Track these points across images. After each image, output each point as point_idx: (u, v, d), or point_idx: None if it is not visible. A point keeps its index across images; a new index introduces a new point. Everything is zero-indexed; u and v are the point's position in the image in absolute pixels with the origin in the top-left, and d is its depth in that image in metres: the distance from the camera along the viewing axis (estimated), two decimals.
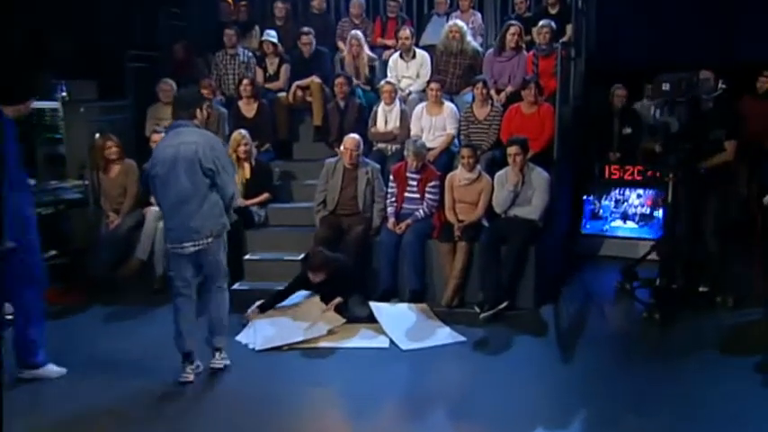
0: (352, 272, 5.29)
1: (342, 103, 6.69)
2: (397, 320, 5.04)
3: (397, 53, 7.14)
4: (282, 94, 7.15)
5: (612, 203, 7.11)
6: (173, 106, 4.26)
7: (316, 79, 6.95)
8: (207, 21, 7.83)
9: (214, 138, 4.22)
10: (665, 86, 5.32)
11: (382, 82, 6.61)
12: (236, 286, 5.68)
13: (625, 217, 7.04)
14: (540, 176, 5.63)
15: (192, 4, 7.49)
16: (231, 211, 4.39)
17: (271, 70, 7.34)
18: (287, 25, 7.77)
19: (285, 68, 7.29)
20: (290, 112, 7.11)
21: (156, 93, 6.80)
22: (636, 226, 7.02)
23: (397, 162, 6.08)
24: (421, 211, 5.77)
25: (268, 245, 5.98)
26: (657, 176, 6.06)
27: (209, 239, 4.10)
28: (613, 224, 7.08)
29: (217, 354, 4.37)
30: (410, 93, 7.02)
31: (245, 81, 6.65)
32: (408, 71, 7.06)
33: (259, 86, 7.10)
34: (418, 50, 7.12)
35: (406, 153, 5.83)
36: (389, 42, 7.56)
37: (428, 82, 6.52)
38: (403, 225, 5.70)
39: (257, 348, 4.82)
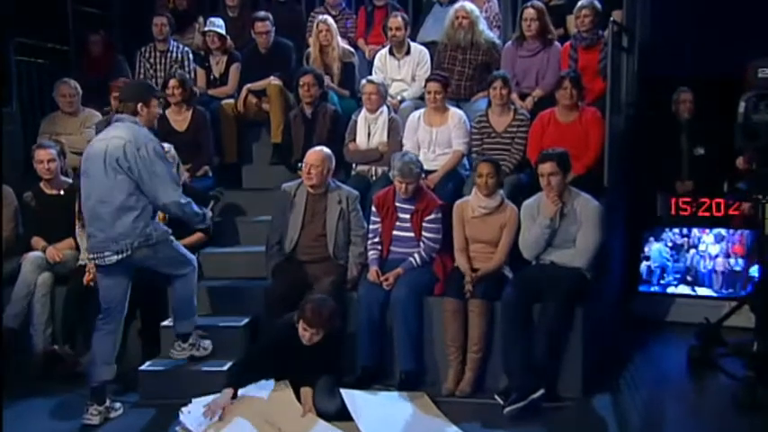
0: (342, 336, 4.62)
1: (308, 111, 5.80)
2: (382, 417, 4.22)
3: (386, 49, 6.32)
4: (229, 102, 6.27)
5: (668, 251, 6.05)
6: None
7: (274, 80, 6.10)
8: (136, 9, 7.07)
9: (148, 137, 4.24)
10: (764, 73, 4.38)
11: (363, 81, 5.70)
12: (146, 366, 4.70)
13: (694, 278, 5.96)
14: (587, 206, 4.71)
15: None
16: (196, 218, 4.49)
17: (216, 71, 6.56)
18: (242, 17, 6.92)
19: (235, 69, 6.51)
20: (241, 126, 6.31)
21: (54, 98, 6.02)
22: (713, 293, 5.92)
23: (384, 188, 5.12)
24: (416, 255, 4.87)
25: (198, 306, 4.88)
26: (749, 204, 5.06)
27: (135, 248, 4.19)
28: (672, 289, 6.03)
29: (180, 343, 4.56)
30: (402, 100, 6.10)
31: (173, 82, 5.76)
32: (401, 72, 6.27)
33: (198, 93, 6.26)
34: (414, 44, 6.34)
35: (391, 173, 4.79)
36: (373, 46, 6.71)
37: (426, 81, 5.54)
38: (391, 276, 4.81)
39: None
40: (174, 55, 6.54)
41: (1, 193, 5.14)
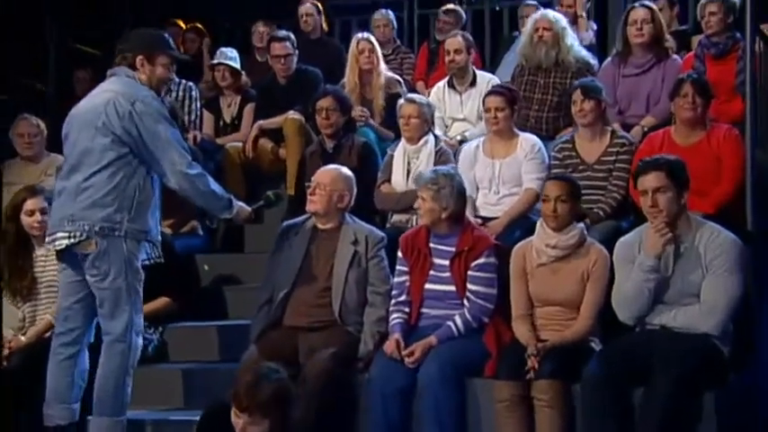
0: None
1: (329, 144, 5.25)
2: None
3: (445, 80, 5.83)
4: (236, 145, 5.91)
5: None
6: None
7: (293, 115, 5.65)
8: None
9: (147, 92, 3.90)
10: None
11: (401, 100, 5.15)
12: None
13: None
14: (718, 240, 3.78)
15: (117, 20, 6.40)
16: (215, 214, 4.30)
17: (227, 115, 6.24)
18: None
19: (250, 110, 6.14)
20: (249, 175, 5.84)
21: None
22: None
23: None
24: (458, 319, 4.08)
25: (155, 396, 4.40)
26: None
27: (90, 235, 3.77)
28: None
29: None
30: (463, 140, 5.50)
31: None
32: (463, 109, 5.71)
33: (198, 137, 5.98)
34: (481, 73, 5.84)
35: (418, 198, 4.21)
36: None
37: (485, 97, 4.98)
38: (418, 348, 3.98)
39: None
40: (175, 93, 6.23)
41: None
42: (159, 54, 3.94)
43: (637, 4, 5.36)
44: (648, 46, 5.23)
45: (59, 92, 6.39)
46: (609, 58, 5.47)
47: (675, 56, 5.33)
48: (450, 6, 6.92)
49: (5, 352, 4.26)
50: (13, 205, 4.47)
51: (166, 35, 4.22)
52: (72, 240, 3.75)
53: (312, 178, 4.35)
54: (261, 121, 5.80)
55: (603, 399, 3.58)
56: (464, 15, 6.98)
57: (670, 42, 5.37)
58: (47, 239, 3.94)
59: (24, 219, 4.42)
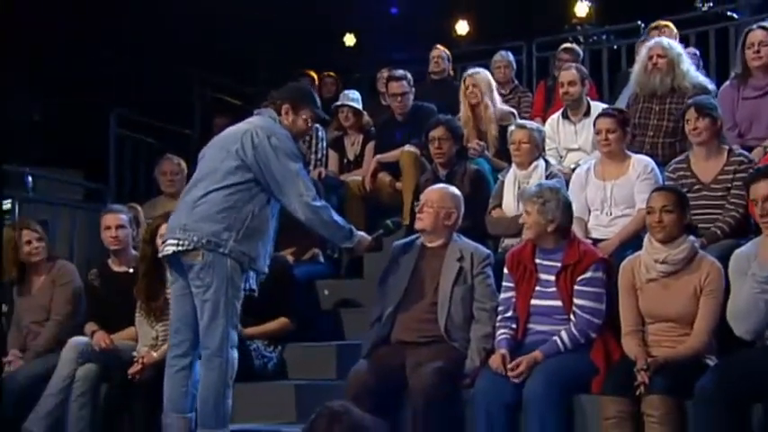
0: None
1: (442, 173, 5.06)
2: None
3: (559, 112, 5.56)
4: (356, 179, 5.85)
5: None
6: None
7: (408, 148, 5.52)
8: None
9: (285, 132, 3.88)
10: None
11: (511, 126, 4.93)
12: None
13: None
14: None
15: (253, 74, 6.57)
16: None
17: (351, 153, 6.16)
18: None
19: (371, 148, 6.05)
20: (369, 207, 5.75)
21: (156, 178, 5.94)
22: None
23: None
24: (564, 334, 3.78)
25: (270, 410, 4.29)
26: None
27: (197, 246, 3.71)
28: None
29: None
30: (576, 167, 5.16)
31: None
32: (578, 139, 5.41)
33: (323, 173, 5.93)
34: (595, 104, 5.50)
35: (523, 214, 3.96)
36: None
37: (596, 119, 4.67)
38: (524, 363, 3.71)
39: None
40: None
41: None
42: (305, 107, 3.94)
43: (755, 26, 4.98)
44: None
45: (202, 136, 6.55)
46: (728, 82, 5.09)
47: None
48: (568, 45, 6.73)
49: (139, 367, 4.29)
50: (150, 230, 4.53)
51: (315, 95, 4.21)
52: (180, 248, 3.71)
53: (420, 196, 4.20)
54: (379, 156, 5.72)
55: (719, 415, 3.21)
56: (581, 53, 6.72)
57: None
58: (161, 249, 3.93)
59: (159, 242, 4.48)
